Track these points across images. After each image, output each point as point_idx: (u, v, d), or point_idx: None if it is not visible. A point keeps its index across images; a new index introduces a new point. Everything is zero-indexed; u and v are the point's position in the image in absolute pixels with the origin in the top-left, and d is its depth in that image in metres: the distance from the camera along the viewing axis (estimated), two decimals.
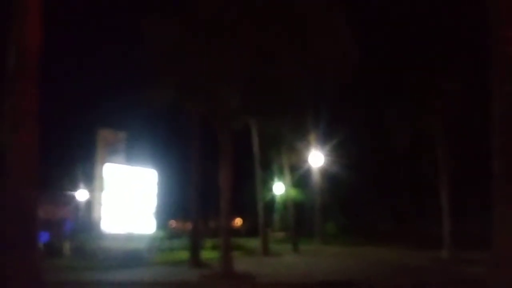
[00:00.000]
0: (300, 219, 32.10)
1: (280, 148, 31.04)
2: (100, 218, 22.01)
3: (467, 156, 23.98)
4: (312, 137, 31.75)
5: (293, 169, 32.75)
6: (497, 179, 8.25)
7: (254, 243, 28.86)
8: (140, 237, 22.58)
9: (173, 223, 48.21)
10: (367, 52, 18.32)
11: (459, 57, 20.55)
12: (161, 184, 24.73)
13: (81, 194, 36.85)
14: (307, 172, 33.74)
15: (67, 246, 25.62)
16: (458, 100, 20.96)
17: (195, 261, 20.99)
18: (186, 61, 15.73)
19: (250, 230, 42.26)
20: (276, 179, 37.78)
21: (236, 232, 41.81)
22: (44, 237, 23.99)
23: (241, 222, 52.80)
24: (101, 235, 21.66)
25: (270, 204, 38.48)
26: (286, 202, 34.11)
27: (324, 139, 31.80)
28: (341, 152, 31.79)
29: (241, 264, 18.09)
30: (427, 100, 22.25)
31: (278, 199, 39.80)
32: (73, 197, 37.50)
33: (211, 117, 17.37)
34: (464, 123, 21.83)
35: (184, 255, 22.74)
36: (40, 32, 8.70)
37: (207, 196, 23.91)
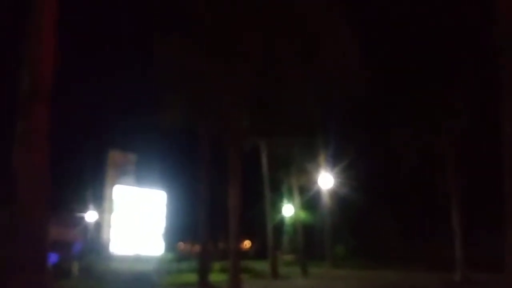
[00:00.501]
0: (310, 241, 31.81)
1: (290, 170, 30.93)
2: (109, 240, 22.02)
3: (478, 176, 23.77)
4: (321, 158, 31.67)
5: (303, 190, 32.56)
6: (508, 198, 8.17)
7: (263, 265, 28.61)
8: (148, 259, 22.52)
9: (181, 245, 47.98)
10: (375, 70, 18.38)
11: (469, 76, 20.53)
12: (170, 205, 24.75)
13: (90, 216, 36.83)
14: (317, 194, 33.57)
15: (75, 268, 25.58)
16: (468, 119, 20.89)
17: (204, 283, 20.82)
18: (195, 83, 15.87)
19: (259, 252, 41.98)
20: (285, 201, 37.57)
21: (245, 254, 41.54)
22: (53, 258, 23.96)
23: (250, 244, 52.46)
24: (109, 257, 21.64)
25: (279, 226, 38.24)
26: (295, 224, 33.84)
27: (334, 161, 31.70)
28: (350, 173, 31.63)
29: (250, 287, 17.92)
30: (436, 119, 22.18)
31: (287, 221, 39.54)
32: (83, 219, 37.50)
33: (221, 138, 17.44)
34: (474, 142, 21.70)
35: (193, 277, 22.58)
36: (54, 56, 8.80)
37: (216, 218, 23.82)
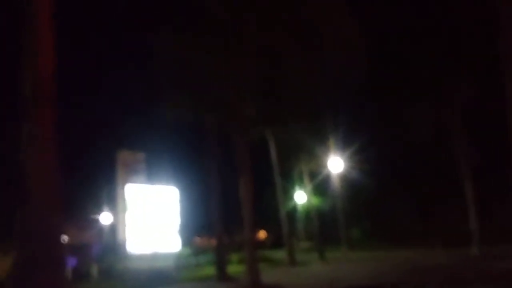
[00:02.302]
0: (324, 226, 31.80)
1: (299, 156, 30.86)
2: (125, 239, 22.13)
3: (489, 150, 23.63)
4: (331, 142, 31.58)
5: (313, 176, 32.51)
6: None
7: (280, 254, 28.71)
8: (166, 256, 22.61)
9: (197, 239, 48.19)
10: (381, 51, 18.26)
11: (474, 51, 20.36)
12: (183, 201, 24.79)
13: (105, 217, 37.13)
14: (327, 178, 33.52)
15: (94, 270, 25.80)
16: (475, 90, 20.73)
17: (222, 275, 20.95)
18: (197, 75, 15.84)
19: (275, 242, 42.06)
20: (297, 188, 37.54)
21: (262, 244, 41.64)
22: (71, 262, 24.17)
23: (266, 234, 52.54)
24: (127, 256, 21.75)
25: (293, 213, 38.28)
26: (309, 211, 33.85)
27: (343, 144, 31.60)
28: (361, 156, 31.50)
29: (269, 276, 17.99)
30: (444, 92, 22.03)
31: (300, 207, 39.54)
32: (98, 220, 37.81)
33: (228, 128, 17.42)
34: (483, 114, 21.57)
35: (211, 270, 22.71)
36: (53, 58, 8.81)
37: (230, 210, 23.85)
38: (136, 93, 24.69)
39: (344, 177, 34.11)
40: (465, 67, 21.04)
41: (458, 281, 14.29)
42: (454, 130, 22.61)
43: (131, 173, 24.83)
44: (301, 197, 37.59)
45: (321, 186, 34.36)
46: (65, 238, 27.01)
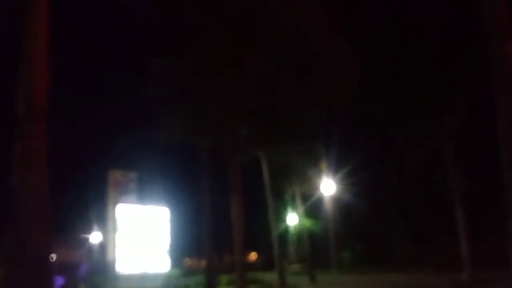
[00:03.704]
0: (315, 249, 31.64)
1: (291, 178, 30.83)
2: (114, 259, 21.90)
3: (480, 174, 23.73)
4: (323, 164, 31.63)
5: (305, 198, 32.45)
6: (509, 191, 8.17)
7: (270, 276, 28.46)
8: (155, 276, 22.40)
9: (188, 260, 47.80)
10: (372, 75, 18.41)
11: (465, 73, 20.59)
12: (174, 221, 24.67)
13: (94, 236, 36.79)
14: (319, 201, 33.49)
15: None
16: (466, 117, 20.91)
17: None
18: (192, 98, 15.90)
19: (266, 263, 41.80)
20: (289, 209, 37.43)
21: (252, 266, 41.37)
22: (59, 281, 23.86)
23: (256, 256, 52.25)
24: (116, 276, 21.51)
25: (284, 235, 38.10)
26: (301, 233, 33.71)
27: (336, 167, 31.67)
28: (353, 178, 31.56)
29: None
30: (435, 118, 22.20)
31: (292, 230, 39.38)
32: (87, 240, 37.46)
33: (220, 151, 17.44)
34: (474, 140, 21.70)
35: None
36: (48, 78, 8.86)
37: (221, 231, 23.75)
38: (129, 113, 24.72)
39: (336, 200, 34.15)
40: (458, 91, 21.25)
41: None
42: (445, 156, 22.71)
43: (122, 192, 24.68)
44: (293, 219, 37.46)
45: (313, 208, 34.25)
46: (53, 256, 26.71)
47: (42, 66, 8.80)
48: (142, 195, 25.67)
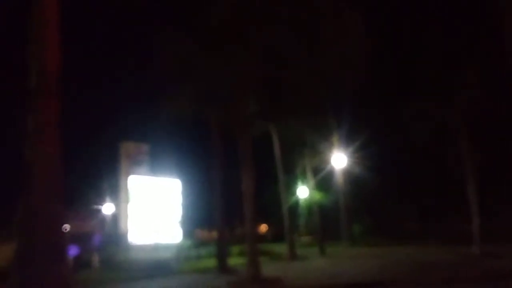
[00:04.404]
0: (325, 222, 31.84)
1: (302, 151, 30.88)
2: (127, 230, 22.20)
3: (491, 148, 23.57)
4: (334, 138, 31.63)
5: (316, 171, 32.53)
6: None
7: (280, 248, 28.79)
8: (167, 247, 22.71)
9: (199, 232, 48.39)
10: (382, 48, 18.23)
11: (477, 47, 20.30)
12: (186, 193, 24.83)
13: (107, 207, 37.33)
14: (330, 174, 33.58)
15: (95, 259, 25.97)
16: (480, 91, 20.69)
17: (223, 268, 21.07)
18: (201, 71, 15.87)
19: (276, 236, 42.19)
20: (299, 183, 37.59)
21: (262, 238, 41.80)
22: (73, 250, 24.32)
23: (267, 228, 52.73)
24: (128, 247, 21.84)
25: (295, 208, 38.37)
26: (311, 206, 33.91)
27: (347, 140, 31.64)
28: (364, 152, 31.54)
29: (269, 269, 18.09)
30: (448, 91, 21.99)
31: (302, 202, 39.61)
32: (100, 211, 38.01)
33: (230, 124, 17.47)
34: (486, 114, 21.50)
35: (212, 262, 22.84)
36: (58, 51, 8.90)
37: (232, 204, 23.96)
38: (140, 86, 24.75)
39: (347, 173, 34.20)
40: (469, 66, 20.99)
41: (458, 278, 14.35)
42: (457, 130, 22.55)
43: (134, 164, 24.87)
44: (303, 192, 37.65)
45: (324, 181, 34.37)
46: (67, 227, 27.17)
47: (53, 38, 8.83)
48: (154, 167, 25.84)
